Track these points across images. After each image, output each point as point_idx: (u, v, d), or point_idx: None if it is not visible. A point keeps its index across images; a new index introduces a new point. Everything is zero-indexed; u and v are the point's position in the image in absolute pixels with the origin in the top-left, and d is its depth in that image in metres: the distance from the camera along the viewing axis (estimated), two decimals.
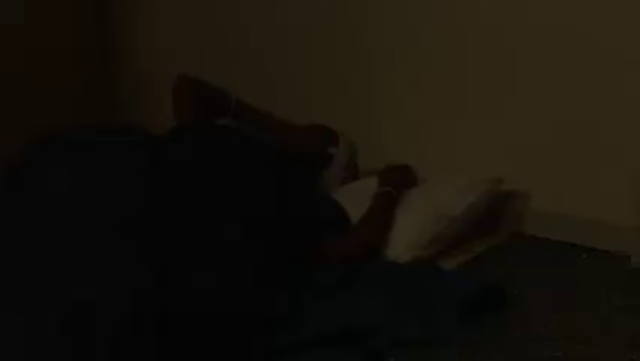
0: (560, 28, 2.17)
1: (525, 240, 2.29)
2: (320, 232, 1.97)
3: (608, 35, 2.10)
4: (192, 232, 1.67)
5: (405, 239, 2.07)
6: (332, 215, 2.06)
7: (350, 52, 2.65)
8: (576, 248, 2.18)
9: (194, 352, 1.51)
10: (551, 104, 2.23)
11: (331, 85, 2.72)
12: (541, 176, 2.27)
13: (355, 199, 2.16)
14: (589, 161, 2.19)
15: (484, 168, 2.32)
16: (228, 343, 1.56)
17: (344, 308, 1.74)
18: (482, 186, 2.23)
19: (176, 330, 1.49)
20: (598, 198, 2.18)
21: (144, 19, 3.24)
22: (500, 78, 2.32)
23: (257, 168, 1.92)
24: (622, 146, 2.12)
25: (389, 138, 2.55)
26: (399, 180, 2.23)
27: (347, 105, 2.67)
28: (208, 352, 1.53)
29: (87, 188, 1.68)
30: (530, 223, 2.31)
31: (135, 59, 3.29)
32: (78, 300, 1.45)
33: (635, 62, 2.06)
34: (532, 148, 2.28)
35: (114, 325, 1.44)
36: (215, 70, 2.90)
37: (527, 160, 2.30)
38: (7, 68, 2.94)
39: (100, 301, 1.46)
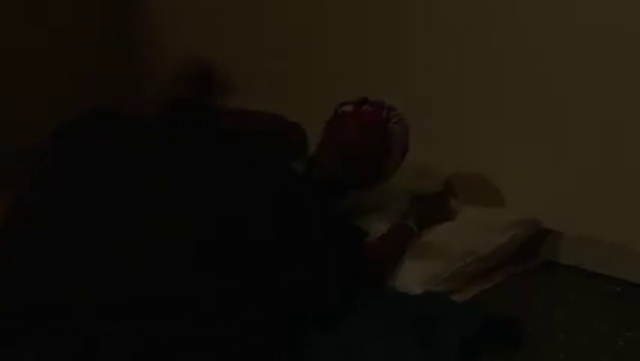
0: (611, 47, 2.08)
1: (555, 270, 2.19)
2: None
3: None
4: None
5: (423, 271, 1.97)
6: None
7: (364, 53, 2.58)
8: (610, 280, 2.09)
9: None
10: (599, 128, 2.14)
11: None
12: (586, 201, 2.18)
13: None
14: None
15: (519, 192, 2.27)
16: None
17: (344, 344, 1.65)
18: (515, 228, 2.15)
19: None
20: None
21: (168, 16, 3.20)
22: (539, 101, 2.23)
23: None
24: None
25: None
26: (428, 215, 2.11)
27: None
28: None
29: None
30: (564, 251, 2.22)
31: (160, 57, 3.24)
32: None
33: None
34: (578, 172, 2.19)
35: None
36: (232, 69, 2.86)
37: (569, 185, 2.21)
38: (28, 67, 2.92)
39: None
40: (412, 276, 1.95)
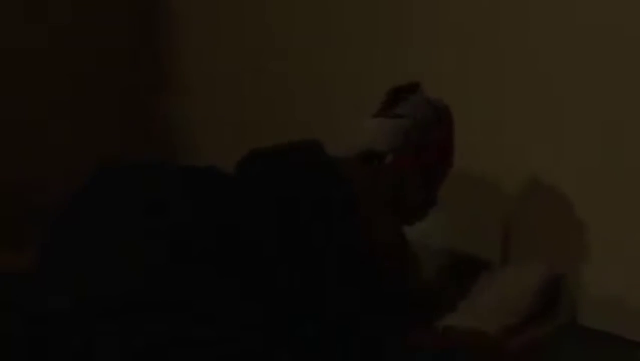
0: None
1: (575, 332, 2.05)
2: None
3: None
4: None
5: None
6: None
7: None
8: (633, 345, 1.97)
9: None
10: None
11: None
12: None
13: None
14: None
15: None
16: None
17: None
18: (536, 291, 2.07)
19: None
20: None
21: (169, 16, 3.19)
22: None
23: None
24: None
25: None
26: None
27: None
28: None
29: None
30: (584, 312, 2.12)
31: (177, 59, 3.23)
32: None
33: None
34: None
35: None
36: (243, 70, 2.86)
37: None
38: (28, 67, 2.92)
39: None
40: None
